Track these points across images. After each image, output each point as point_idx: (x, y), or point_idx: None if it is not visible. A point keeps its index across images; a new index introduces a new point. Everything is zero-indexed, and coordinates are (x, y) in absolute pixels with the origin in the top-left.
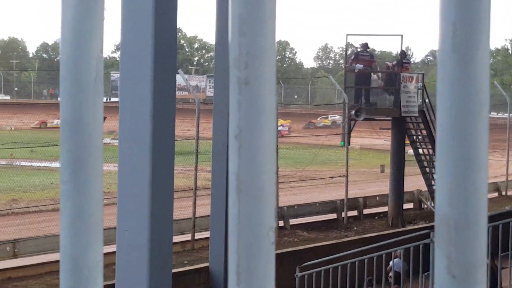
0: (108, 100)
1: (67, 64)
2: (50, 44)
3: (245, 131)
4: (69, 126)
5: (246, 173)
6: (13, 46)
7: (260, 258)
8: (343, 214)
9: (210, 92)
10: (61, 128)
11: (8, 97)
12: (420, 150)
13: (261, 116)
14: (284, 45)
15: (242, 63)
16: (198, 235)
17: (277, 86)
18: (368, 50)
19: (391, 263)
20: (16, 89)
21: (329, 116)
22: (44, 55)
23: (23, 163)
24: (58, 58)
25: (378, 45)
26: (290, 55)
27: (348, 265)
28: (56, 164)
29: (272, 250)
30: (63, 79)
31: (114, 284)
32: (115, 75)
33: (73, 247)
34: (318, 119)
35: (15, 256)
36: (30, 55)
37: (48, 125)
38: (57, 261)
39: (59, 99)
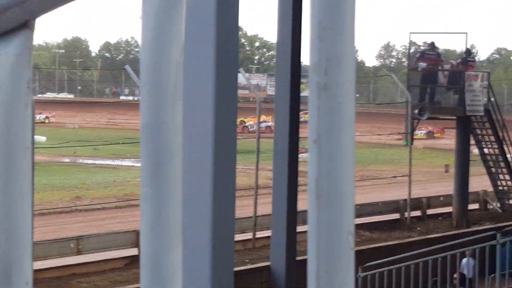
0: None
1: (147, 70)
2: (112, 43)
3: (325, 136)
4: (149, 130)
5: (326, 178)
6: (77, 46)
7: (339, 263)
8: (406, 214)
9: (270, 91)
10: (141, 132)
11: (71, 96)
12: (486, 150)
13: (341, 121)
14: None
15: (322, 69)
16: (259, 234)
17: None
18: (434, 49)
19: (464, 261)
20: (79, 88)
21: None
22: (107, 54)
23: (86, 161)
24: (120, 57)
25: (441, 43)
26: None
27: (412, 266)
28: (118, 162)
29: (352, 255)
30: (143, 84)
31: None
32: None
33: (153, 248)
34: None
35: (79, 252)
36: (93, 54)
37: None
38: (120, 258)
39: (121, 97)
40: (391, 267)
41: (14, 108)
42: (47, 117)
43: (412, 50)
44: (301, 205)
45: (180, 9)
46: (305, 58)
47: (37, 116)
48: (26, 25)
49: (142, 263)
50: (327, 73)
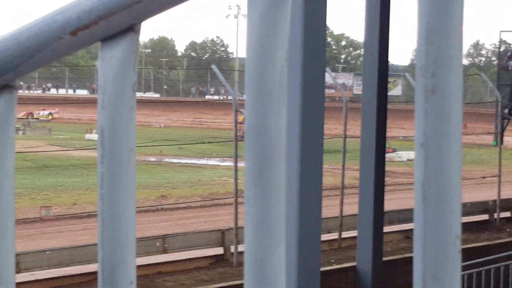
0: None
1: (251, 73)
2: (198, 42)
3: (432, 140)
4: (254, 133)
5: (433, 182)
6: (163, 45)
7: (446, 267)
8: (495, 215)
9: (357, 90)
10: (245, 135)
11: (157, 95)
12: None
13: (448, 124)
14: None
15: (429, 72)
16: (345, 234)
17: None
18: None
19: None
20: (165, 87)
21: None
22: (192, 54)
23: (172, 160)
24: (205, 56)
25: None
26: None
27: (502, 267)
28: (204, 161)
29: (459, 258)
30: (248, 87)
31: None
32: None
33: (257, 251)
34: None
35: (164, 251)
36: (179, 53)
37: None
38: (205, 257)
39: (206, 97)
40: (481, 268)
41: (119, 110)
42: None
43: (502, 48)
44: (387, 206)
45: (286, 11)
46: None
47: None
48: (132, 29)
49: (246, 264)
50: (434, 76)
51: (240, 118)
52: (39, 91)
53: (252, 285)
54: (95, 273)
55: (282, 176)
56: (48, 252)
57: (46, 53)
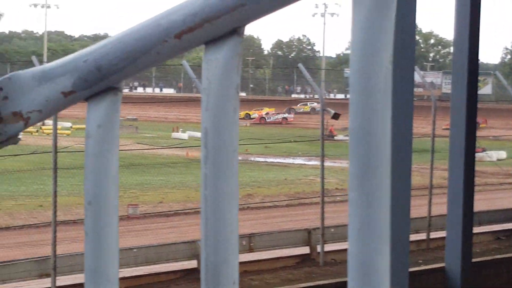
0: (345, 97)
1: (356, 76)
2: (284, 41)
3: None
4: (358, 136)
5: None
6: (249, 44)
7: None
8: None
9: (445, 89)
10: (350, 137)
11: (243, 94)
12: None
13: None
14: None
15: None
16: (433, 234)
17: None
18: None
19: None
20: (251, 86)
21: (308, 103)
22: (279, 52)
23: (258, 159)
24: (292, 55)
25: None
26: None
27: None
28: (290, 160)
29: None
30: (352, 90)
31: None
32: (348, 71)
33: (362, 252)
34: (298, 105)
35: (251, 250)
36: (265, 52)
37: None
38: (291, 256)
39: (292, 95)
40: None
41: (223, 112)
42: None
43: None
44: (477, 206)
45: (391, 13)
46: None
47: None
48: (236, 32)
49: (350, 266)
50: None
51: (327, 117)
52: (126, 90)
53: (355, 285)
54: (182, 271)
55: (387, 179)
56: (135, 250)
57: (151, 56)
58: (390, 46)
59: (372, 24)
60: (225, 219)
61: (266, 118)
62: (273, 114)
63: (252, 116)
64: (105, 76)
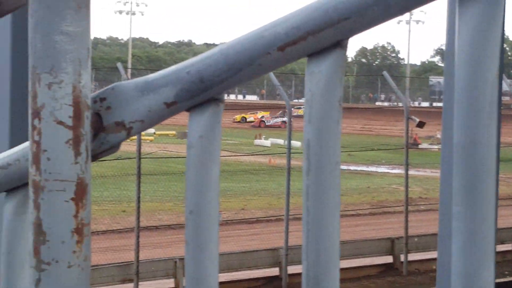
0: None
1: (462, 89)
2: (368, 48)
3: None
4: (463, 149)
5: None
6: None
7: None
8: None
9: None
10: (454, 151)
11: None
12: None
13: None
14: None
15: None
16: None
17: None
18: None
19: None
20: None
21: (301, 106)
22: (363, 60)
23: (341, 167)
24: (376, 62)
25: None
26: None
27: None
28: (373, 168)
29: None
30: (458, 103)
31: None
32: (433, 79)
33: (466, 266)
34: (293, 109)
35: None
36: (349, 59)
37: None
38: (374, 265)
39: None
40: None
41: (325, 124)
42: None
43: None
44: None
45: (498, 29)
46: None
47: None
48: (339, 44)
49: (454, 279)
50: None
51: (411, 125)
52: None
53: None
54: (264, 278)
55: (492, 193)
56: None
57: (253, 68)
58: (497, 57)
59: (480, 36)
60: (326, 230)
61: (266, 121)
62: (270, 117)
63: (248, 120)
64: (207, 87)
